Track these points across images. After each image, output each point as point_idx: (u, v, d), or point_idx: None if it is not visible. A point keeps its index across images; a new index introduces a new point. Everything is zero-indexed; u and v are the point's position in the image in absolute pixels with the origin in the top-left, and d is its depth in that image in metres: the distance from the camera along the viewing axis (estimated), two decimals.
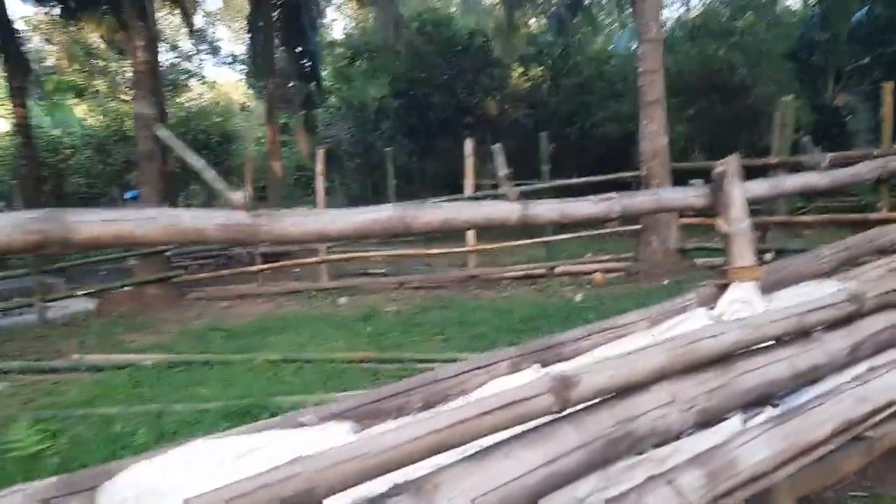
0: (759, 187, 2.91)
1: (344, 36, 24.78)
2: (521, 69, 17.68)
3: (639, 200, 2.59)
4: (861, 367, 2.26)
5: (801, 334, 2.11)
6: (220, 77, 39.50)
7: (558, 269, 9.60)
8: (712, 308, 2.57)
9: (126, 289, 9.61)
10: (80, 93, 30.01)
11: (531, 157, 13.76)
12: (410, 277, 9.96)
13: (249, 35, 17.89)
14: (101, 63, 30.93)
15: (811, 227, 9.96)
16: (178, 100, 30.95)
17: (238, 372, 5.50)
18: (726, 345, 1.91)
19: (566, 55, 17.66)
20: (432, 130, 18.92)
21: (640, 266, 9.06)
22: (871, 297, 2.21)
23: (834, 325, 2.22)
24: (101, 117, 27.04)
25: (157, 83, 10.21)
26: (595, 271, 9.19)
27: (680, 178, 7.80)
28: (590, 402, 1.72)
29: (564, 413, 1.65)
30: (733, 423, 2.05)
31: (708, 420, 1.95)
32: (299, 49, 17.58)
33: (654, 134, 8.96)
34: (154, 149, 9.85)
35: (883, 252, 3.23)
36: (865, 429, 2.13)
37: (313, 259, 9.75)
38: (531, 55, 18.59)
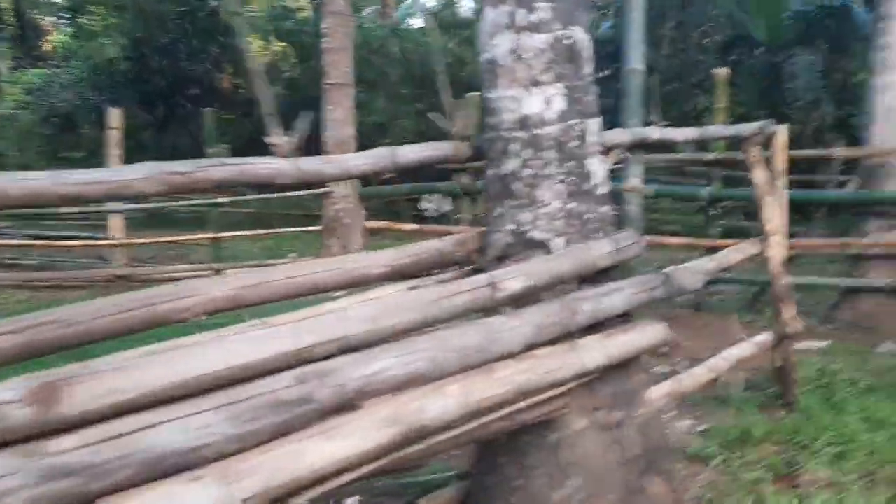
0: None
1: None
2: (260, 42, 15.96)
3: None
4: None
5: None
6: None
7: (229, 271, 8.19)
8: None
9: None
10: None
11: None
12: (43, 274, 8.03)
13: None
14: None
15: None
16: None
17: None
18: None
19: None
20: (167, 100, 16.70)
21: None
22: None
23: None
24: None
25: None
26: None
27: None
28: None
29: None
30: None
31: None
32: None
33: (339, 122, 7.87)
34: None
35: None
36: None
37: None
38: (284, 29, 16.95)
